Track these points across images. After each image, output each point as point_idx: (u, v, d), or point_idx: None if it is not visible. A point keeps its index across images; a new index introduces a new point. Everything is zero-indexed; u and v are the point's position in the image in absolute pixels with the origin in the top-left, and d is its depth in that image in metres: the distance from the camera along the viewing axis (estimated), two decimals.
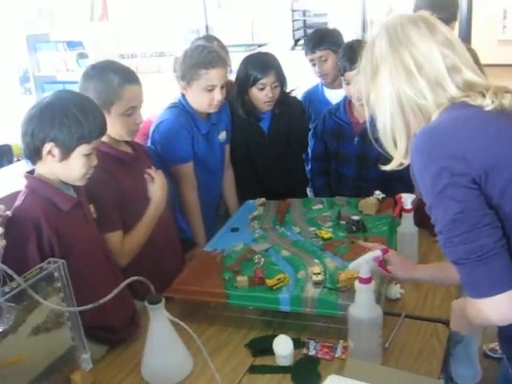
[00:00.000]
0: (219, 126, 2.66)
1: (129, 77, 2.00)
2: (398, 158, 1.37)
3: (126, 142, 2.13)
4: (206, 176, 2.61)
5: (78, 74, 2.07)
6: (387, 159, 1.43)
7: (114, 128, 2.00)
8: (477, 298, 1.16)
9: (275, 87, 2.66)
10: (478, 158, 1.17)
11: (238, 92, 2.71)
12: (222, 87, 2.45)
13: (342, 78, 2.63)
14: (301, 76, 3.38)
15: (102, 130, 1.75)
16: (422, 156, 1.23)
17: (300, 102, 2.95)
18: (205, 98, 2.44)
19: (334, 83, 3.15)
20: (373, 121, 1.42)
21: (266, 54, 2.75)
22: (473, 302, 1.18)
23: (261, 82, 2.63)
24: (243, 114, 2.73)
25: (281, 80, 2.67)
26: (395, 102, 1.33)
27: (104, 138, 1.87)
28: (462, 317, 1.31)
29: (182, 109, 2.51)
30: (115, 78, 1.96)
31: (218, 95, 2.44)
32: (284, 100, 2.75)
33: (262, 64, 2.65)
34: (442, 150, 1.19)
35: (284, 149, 2.84)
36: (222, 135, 2.68)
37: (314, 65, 3.18)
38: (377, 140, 1.41)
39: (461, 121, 1.24)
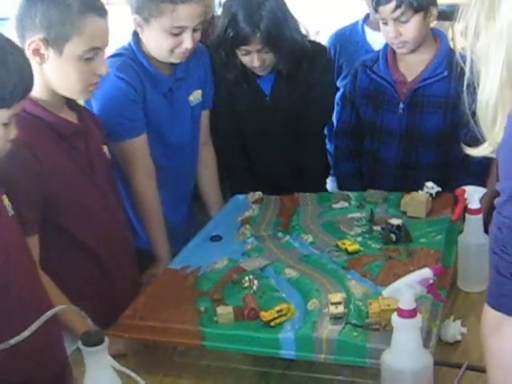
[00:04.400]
0: (190, 83, 2.68)
1: (94, 4, 2.04)
2: (493, 142, 1.37)
3: (70, 106, 2.16)
4: (169, 157, 2.64)
5: None
6: (472, 139, 1.43)
7: (65, 78, 2.04)
8: None
9: (266, 53, 2.66)
10: None
11: (221, 48, 2.70)
12: (194, 30, 2.46)
13: (377, 15, 2.65)
14: (324, 15, 3.36)
15: (29, 87, 1.76)
16: None
17: (323, 50, 2.93)
18: (167, 43, 2.46)
19: None
20: (471, 85, 1.39)
21: None
22: None
23: (242, 47, 2.64)
24: (231, 75, 2.75)
25: (275, 43, 2.63)
26: None
27: (39, 95, 1.89)
28: None
29: (128, 57, 2.53)
30: (75, 2, 1.99)
31: (187, 42, 2.45)
32: (289, 59, 2.73)
33: (243, 19, 2.60)
34: None
35: (295, 119, 2.86)
36: (196, 95, 2.71)
37: None
38: (473, 115, 1.40)
39: None
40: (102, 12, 2.06)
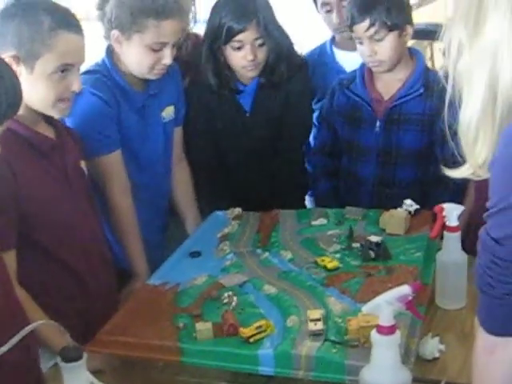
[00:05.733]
0: (163, 99, 2.69)
1: (66, 20, 2.04)
2: (474, 164, 1.37)
3: (47, 120, 2.16)
4: (141, 173, 2.64)
5: None
6: (449, 158, 1.43)
7: (36, 94, 2.03)
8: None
9: (259, 46, 2.68)
10: None
11: (208, 51, 2.74)
12: (173, 46, 2.49)
13: (352, 34, 2.66)
14: (305, 28, 3.35)
15: (19, 104, 1.77)
16: None
17: (304, 64, 2.93)
18: (147, 59, 2.47)
19: (352, 40, 3.10)
20: (453, 104, 1.39)
21: None
22: None
23: (236, 38, 2.65)
24: (215, 83, 2.76)
25: (269, 34, 2.68)
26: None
27: None
28: None
29: (102, 73, 2.53)
30: (46, 19, 2.00)
31: (167, 57, 2.48)
32: (275, 65, 2.76)
33: (238, 9, 2.65)
34: None
35: (274, 137, 2.88)
36: (168, 112, 2.72)
37: (326, 10, 3.10)
38: (454, 134, 1.40)
39: None
40: (75, 28, 2.06)
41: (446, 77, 1.36)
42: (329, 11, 3.07)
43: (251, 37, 2.65)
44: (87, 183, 2.31)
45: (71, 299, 2.17)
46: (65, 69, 2.04)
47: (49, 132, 2.15)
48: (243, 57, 2.68)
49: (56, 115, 2.14)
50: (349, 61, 3.06)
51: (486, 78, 1.26)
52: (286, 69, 2.78)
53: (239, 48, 2.67)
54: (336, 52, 3.20)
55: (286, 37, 2.79)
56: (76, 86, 2.08)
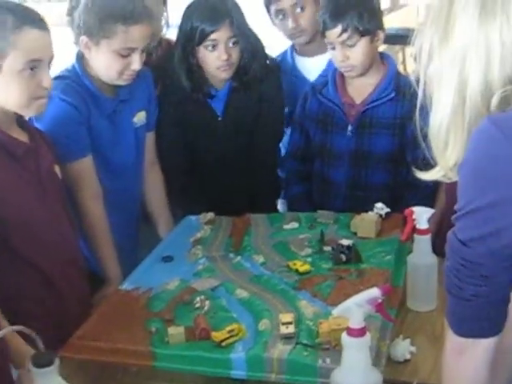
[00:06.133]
0: (134, 104, 2.69)
1: (29, 17, 2.03)
2: (445, 167, 1.38)
3: (21, 124, 2.16)
4: (112, 179, 2.64)
5: None
6: (421, 161, 1.45)
7: (9, 95, 2.03)
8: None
9: (233, 44, 2.70)
10: None
11: (181, 54, 2.74)
12: (142, 51, 2.49)
13: (325, 39, 2.67)
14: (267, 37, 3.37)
15: None
16: (484, 158, 1.26)
17: (276, 68, 2.95)
18: (116, 65, 2.47)
19: (309, 46, 3.11)
20: (424, 108, 1.40)
21: None
22: None
23: (210, 37, 2.66)
24: (189, 86, 2.77)
25: (242, 34, 2.71)
26: (483, 69, 1.27)
27: None
28: None
29: (72, 79, 2.53)
30: (8, 17, 1.99)
31: (136, 63, 2.48)
32: (248, 65, 2.78)
33: (210, 11, 2.67)
34: None
35: (246, 141, 2.89)
36: (139, 117, 2.72)
37: (281, 18, 3.06)
38: (425, 138, 1.41)
39: None
40: (39, 24, 2.05)
41: (418, 81, 1.38)
42: (283, 18, 3.05)
43: (225, 36, 2.67)
44: (61, 188, 2.31)
45: (44, 303, 2.17)
46: (34, 66, 2.03)
47: (22, 136, 2.15)
48: (217, 57, 2.69)
49: (32, 114, 2.15)
50: (310, 67, 3.09)
51: (455, 82, 1.28)
52: (258, 69, 2.79)
53: (213, 47, 2.68)
54: (297, 59, 3.18)
55: (258, 38, 2.81)
56: (46, 83, 2.07)
